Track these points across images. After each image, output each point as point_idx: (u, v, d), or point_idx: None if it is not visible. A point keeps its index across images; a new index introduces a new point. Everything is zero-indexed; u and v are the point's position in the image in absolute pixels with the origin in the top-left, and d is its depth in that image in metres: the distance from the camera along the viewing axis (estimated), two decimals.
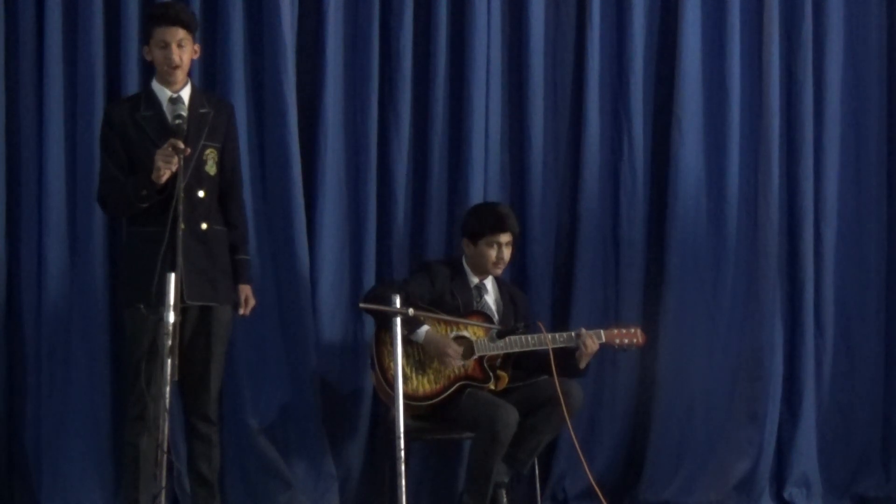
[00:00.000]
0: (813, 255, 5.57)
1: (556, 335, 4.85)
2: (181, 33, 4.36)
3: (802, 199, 5.56)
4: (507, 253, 4.94)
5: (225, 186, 4.48)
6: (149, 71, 4.59)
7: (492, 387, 4.83)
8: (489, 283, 5.01)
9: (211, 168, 4.40)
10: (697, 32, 5.53)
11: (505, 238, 4.92)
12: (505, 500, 4.82)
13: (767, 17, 5.49)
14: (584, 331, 4.86)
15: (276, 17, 5.07)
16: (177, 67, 4.36)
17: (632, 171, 5.48)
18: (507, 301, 5.04)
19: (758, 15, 5.52)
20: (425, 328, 4.77)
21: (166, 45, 4.34)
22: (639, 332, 4.97)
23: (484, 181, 5.35)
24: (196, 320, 4.35)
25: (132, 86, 4.94)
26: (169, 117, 4.34)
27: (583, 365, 4.87)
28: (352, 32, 5.27)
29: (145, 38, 4.45)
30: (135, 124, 4.35)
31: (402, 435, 4.16)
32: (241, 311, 4.54)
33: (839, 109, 5.64)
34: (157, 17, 4.44)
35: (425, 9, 5.33)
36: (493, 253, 4.90)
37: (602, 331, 4.90)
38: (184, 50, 4.37)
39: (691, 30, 5.51)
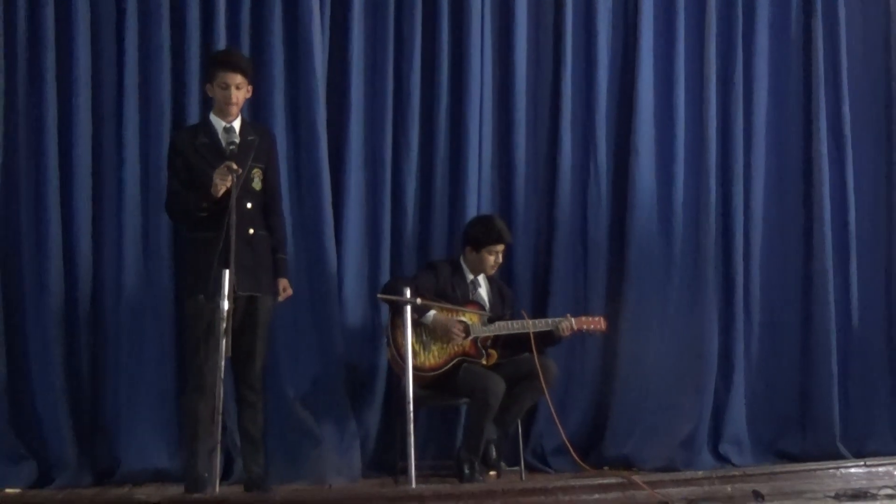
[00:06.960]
0: (743, 256, 5.84)
1: (536, 321, 5.11)
2: (239, 78, 4.61)
3: (734, 210, 5.84)
4: (501, 258, 5.25)
5: (268, 200, 4.71)
6: (207, 103, 4.84)
7: (484, 362, 5.12)
8: (481, 279, 5.29)
9: (257, 184, 4.65)
10: (650, 79, 5.82)
11: (501, 247, 5.21)
12: (494, 453, 5.17)
13: (707, 66, 5.82)
14: (566, 320, 5.08)
15: (310, 63, 5.34)
16: (234, 105, 4.61)
17: (597, 189, 5.76)
18: (496, 293, 5.32)
19: (699, 64, 5.85)
20: (433, 312, 5.02)
21: (227, 87, 4.57)
22: (602, 320, 5.25)
23: (478, 195, 5.59)
24: (244, 308, 4.56)
25: (193, 116, 5.18)
26: (223, 143, 4.55)
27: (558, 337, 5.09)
28: (371, 75, 5.54)
29: (209, 77, 4.63)
30: (194, 150, 4.58)
31: (411, 401, 4.48)
32: (280, 299, 4.75)
33: (764, 140, 5.97)
34: (222, 62, 4.62)
35: (430, 56, 5.58)
36: (492, 259, 5.20)
37: (573, 318, 5.15)
38: (240, 91, 4.62)
39: (645, 78, 5.79)
